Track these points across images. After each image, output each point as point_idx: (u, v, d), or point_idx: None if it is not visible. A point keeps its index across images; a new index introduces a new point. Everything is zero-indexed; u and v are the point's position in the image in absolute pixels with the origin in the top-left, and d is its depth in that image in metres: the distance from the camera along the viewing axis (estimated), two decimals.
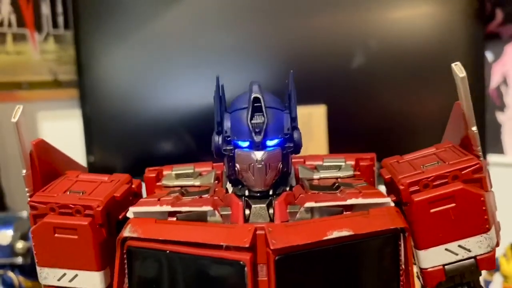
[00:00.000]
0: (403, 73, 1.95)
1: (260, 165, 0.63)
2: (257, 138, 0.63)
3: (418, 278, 0.69)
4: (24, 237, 1.39)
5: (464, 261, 0.67)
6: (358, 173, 0.77)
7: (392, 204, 0.65)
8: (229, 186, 0.70)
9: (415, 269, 0.67)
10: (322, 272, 0.62)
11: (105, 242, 0.69)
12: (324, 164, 0.78)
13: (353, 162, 0.78)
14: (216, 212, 0.64)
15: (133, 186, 0.76)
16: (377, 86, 1.95)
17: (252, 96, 0.63)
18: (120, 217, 0.72)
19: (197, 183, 0.76)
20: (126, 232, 0.64)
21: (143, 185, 0.79)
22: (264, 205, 0.65)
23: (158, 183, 0.78)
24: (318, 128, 1.86)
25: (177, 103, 1.97)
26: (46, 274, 0.70)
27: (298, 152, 0.68)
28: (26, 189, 0.71)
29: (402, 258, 0.64)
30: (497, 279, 1.55)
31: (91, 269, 0.69)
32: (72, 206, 0.68)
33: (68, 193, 0.71)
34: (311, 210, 0.64)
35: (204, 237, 0.60)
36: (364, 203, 0.63)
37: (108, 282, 0.70)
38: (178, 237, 0.61)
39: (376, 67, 1.95)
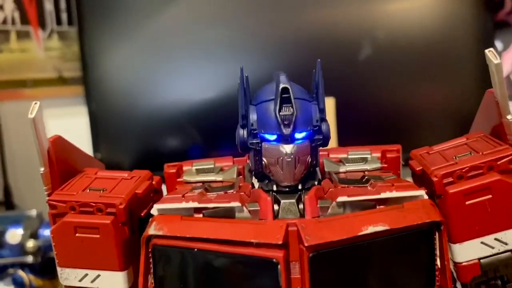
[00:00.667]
0: (412, 64, 1.93)
1: (290, 159, 0.61)
2: (286, 131, 0.60)
3: (452, 272, 0.67)
4: (34, 236, 1.38)
5: (500, 255, 0.65)
6: (385, 165, 0.75)
7: (426, 197, 0.63)
8: (255, 181, 0.67)
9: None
10: (357, 268, 0.60)
11: (127, 240, 0.67)
12: (349, 157, 0.76)
13: (379, 154, 0.76)
14: (244, 207, 0.61)
15: (153, 182, 0.74)
16: (386, 77, 1.93)
17: (281, 87, 0.60)
18: (142, 214, 0.70)
19: (219, 178, 0.73)
20: (151, 230, 0.61)
21: (164, 182, 0.77)
22: (294, 200, 0.62)
23: (179, 179, 0.76)
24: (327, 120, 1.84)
25: (182, 98, 1.94)
26: (67, 275, 0.68)
27: (327, 144, 0.65)
28: (44, 188, 0.69)
29: (437, 252, 0.62)
30: None
31: (114, 269, 0.66)
32: (93, 204, 0.66)
33: (88, 190, 0.69)
34: (343, 204, 0.61)
35: (233, 234, 0.58)
36: (398, 196, 0.61)
37: (131, 281, 0.68)
38: (206, 234, 0.59)
39: (384, 58, 1.92)
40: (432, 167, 0.66)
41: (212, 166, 0.77)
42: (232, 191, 0.66)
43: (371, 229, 0.57)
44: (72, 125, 2.00)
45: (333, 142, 1.83)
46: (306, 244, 0.56)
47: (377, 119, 1.93)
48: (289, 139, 0.61)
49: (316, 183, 0.66)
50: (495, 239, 0.64)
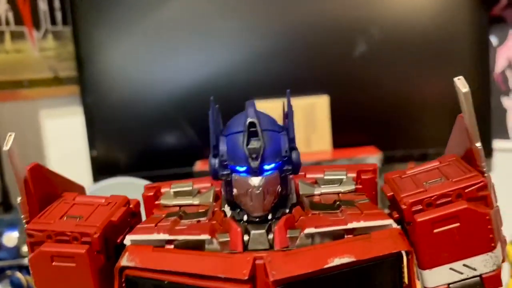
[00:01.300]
0: (407, 60, 1.92)
1: (258, 191, 0.62)
2: (254, 164, 0.61)
3: None
4: None
5: (469, 280, 0.66)
6: (360, 186, 0.75)
7: (395, 225, 0.64)
8: (227, 209, 0.68)
9: None
10: None
11: (103, 267, 0.68)
12: (325, 177, 0.77)
13: (354, 175, 0.77)
14: (214, 240, 0.63)
15: (130, 206, 0.75)
16: (380, 74, 1.93)
17: (248, 121, 0.61)
18: (118, 241, 0.71)
19: (196, 202, 0.74)
20: (124, 261, 0.63)
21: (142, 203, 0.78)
22: (264, 231, 0.63)
23: (156, 202, 0.77)
24: (321, 118, 1.84)
25: (178, 96, 1.95)
26: None
27: (297, 172, 0.66)
28: (22, 216, 0.70)
29: (406, 280, 0.63)
30: (504, 266, 1.54)
31: None
32: (69, 233, 0.67)
33: (65, 218, 0.70)
34: (311, 235, 0.62)
35: (201, 268, 0.59)
36: (365, 226, 0.62)
37: None
38: (175, 267, 0.60)
39: (379, 54, 1.92)
40: (402, 193, 0.66)
41: (190, 188, 0.78)
42: (204, 218, 0.67)
43: (337, 261, 0.58)
44: (68, 124, 2.02)
45: (327, 141, 1.85)
46: (271, 279, 0.57)
47: (372, 116, 1.93)
48: (258, 172, 0.62)
49: (287, 211, 0.67)
50: (464, 265, 0.65)
